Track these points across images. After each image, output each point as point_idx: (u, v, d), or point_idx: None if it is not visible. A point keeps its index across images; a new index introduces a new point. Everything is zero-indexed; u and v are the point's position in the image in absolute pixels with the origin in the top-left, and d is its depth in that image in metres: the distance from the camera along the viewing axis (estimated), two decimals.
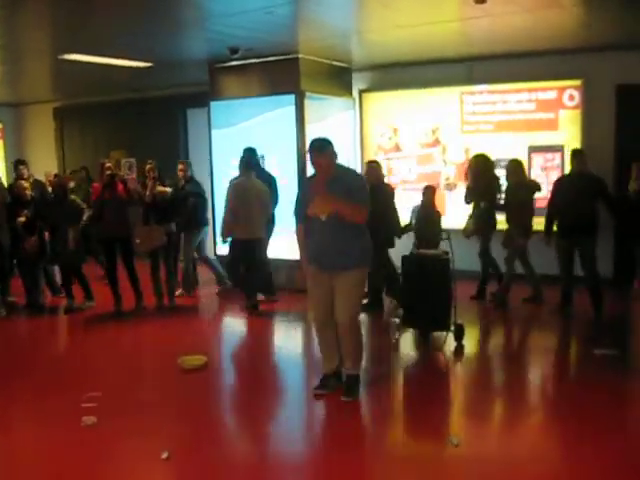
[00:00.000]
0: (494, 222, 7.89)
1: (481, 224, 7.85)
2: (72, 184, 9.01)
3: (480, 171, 7.92)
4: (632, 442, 4.31)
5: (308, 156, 4.97)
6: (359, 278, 4.99)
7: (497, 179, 7.99)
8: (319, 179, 4.90)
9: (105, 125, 12.52)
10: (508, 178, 7.73)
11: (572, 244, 7.14)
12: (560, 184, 7.41)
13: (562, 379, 5.82)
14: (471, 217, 8.01)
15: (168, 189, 8.03)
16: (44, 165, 11.93)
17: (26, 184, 8.33)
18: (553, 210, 7.31)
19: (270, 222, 8.15)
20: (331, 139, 5.00)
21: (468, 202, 8.03)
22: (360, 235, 4.96)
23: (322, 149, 4.85)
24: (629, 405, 5.13)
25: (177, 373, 5.72)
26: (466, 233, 7.93)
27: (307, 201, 4.87)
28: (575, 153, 7.40)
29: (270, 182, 8.16)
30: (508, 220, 7.69)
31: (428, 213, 7.55)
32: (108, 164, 7.91)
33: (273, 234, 8.29)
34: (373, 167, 7.76)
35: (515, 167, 7.76)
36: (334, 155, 4.92)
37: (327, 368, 5.21)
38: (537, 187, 7.78)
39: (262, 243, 7.91)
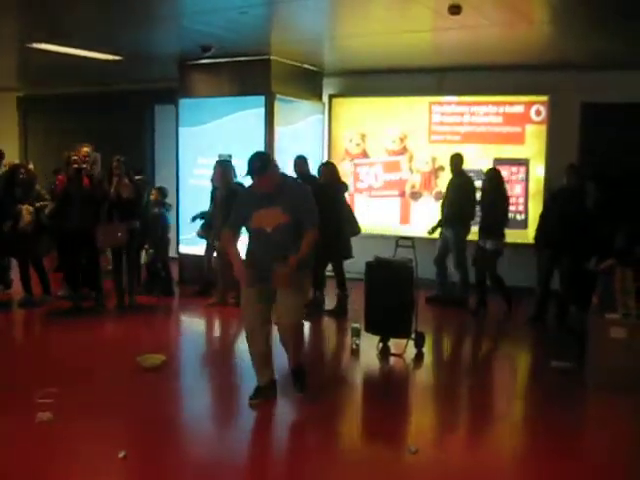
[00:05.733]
0: None
1: None
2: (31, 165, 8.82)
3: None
4: (584, 450, 4.42)
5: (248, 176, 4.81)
6: (301, 281, 4.91)
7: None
8: (262, 192, 4.79)
9: (71, 117, 12.26)
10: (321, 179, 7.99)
11: None
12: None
13: (519, 390, 5.90)
14: None
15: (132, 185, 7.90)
16: (5, 155, 11.68)
17: None
18: None
19: None
20: (268, 153, 5.17)
21: None
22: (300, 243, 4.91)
23: (262, 170, 4.70)
24: (582, 416, 5.24)
25: (136, 371, 5.64)
26: None
27: (247, 212, 4.82)
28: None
29: None
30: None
31: None
32: (74, 157, 7.73)
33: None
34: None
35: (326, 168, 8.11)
36: (275, 170, 4.85)
37: (262, 381, 5.04)
38: (345, 187, 8.27)
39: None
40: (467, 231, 8.21)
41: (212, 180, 8.19)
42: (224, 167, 7.93)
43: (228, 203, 7.51)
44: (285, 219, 4.72)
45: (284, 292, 4.81)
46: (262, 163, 4.74)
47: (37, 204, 7.85)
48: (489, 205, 7.85)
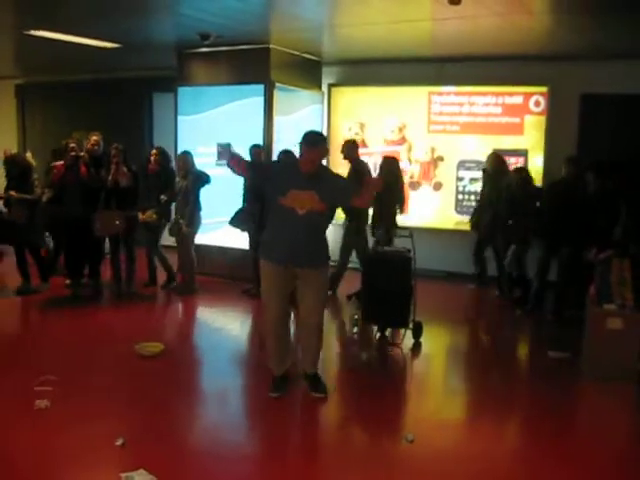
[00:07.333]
0: None
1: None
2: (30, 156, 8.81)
3: None
4: (578, 440, 4.43)
5: (301, 149, 4.69)
6: (326, 277, 4.97)
7: None
8: (303, 172, 4.65)
9: (69, 105, 12.25)
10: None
11: None
12: None
13: (516, 379, 5.92)
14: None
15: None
16: (3, 143, 11.65)
17: None
18: None
19: None
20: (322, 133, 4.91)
21: None
22: (325, 235, 4.96)
23: (316, 143, 4.62)
24: (579, 406, 5.27)
25: (134, 359, 5.66)
26: None
27: (285, 185, 4.65)
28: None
29: None
30: (176, 209, 8.13)
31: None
32: (72, 144, 7.71)
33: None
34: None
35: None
36: (325, 150, 4.82)
37: (281, 369, 5.04)
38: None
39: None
40: (362, 221, 7.74)
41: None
42: (189, 156, 8.10)
43: (197, 188, 7.94)
44: (320, 207, 4.65)
45: (311, 289, 4.77)
46: (317, 136, 4.77)
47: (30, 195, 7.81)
48: (384, 193, 7.61)
